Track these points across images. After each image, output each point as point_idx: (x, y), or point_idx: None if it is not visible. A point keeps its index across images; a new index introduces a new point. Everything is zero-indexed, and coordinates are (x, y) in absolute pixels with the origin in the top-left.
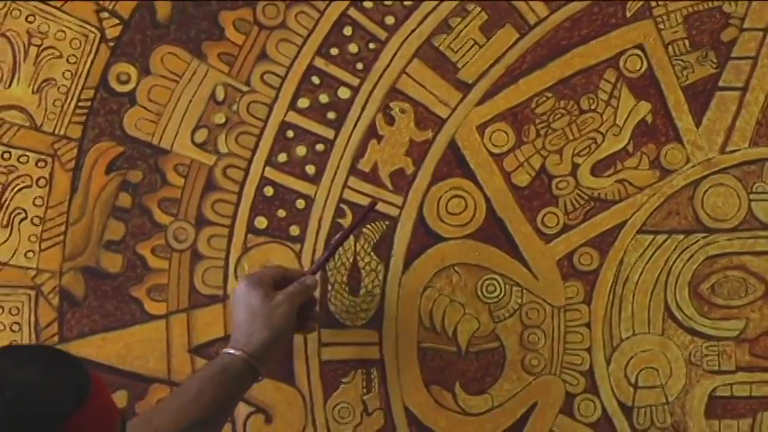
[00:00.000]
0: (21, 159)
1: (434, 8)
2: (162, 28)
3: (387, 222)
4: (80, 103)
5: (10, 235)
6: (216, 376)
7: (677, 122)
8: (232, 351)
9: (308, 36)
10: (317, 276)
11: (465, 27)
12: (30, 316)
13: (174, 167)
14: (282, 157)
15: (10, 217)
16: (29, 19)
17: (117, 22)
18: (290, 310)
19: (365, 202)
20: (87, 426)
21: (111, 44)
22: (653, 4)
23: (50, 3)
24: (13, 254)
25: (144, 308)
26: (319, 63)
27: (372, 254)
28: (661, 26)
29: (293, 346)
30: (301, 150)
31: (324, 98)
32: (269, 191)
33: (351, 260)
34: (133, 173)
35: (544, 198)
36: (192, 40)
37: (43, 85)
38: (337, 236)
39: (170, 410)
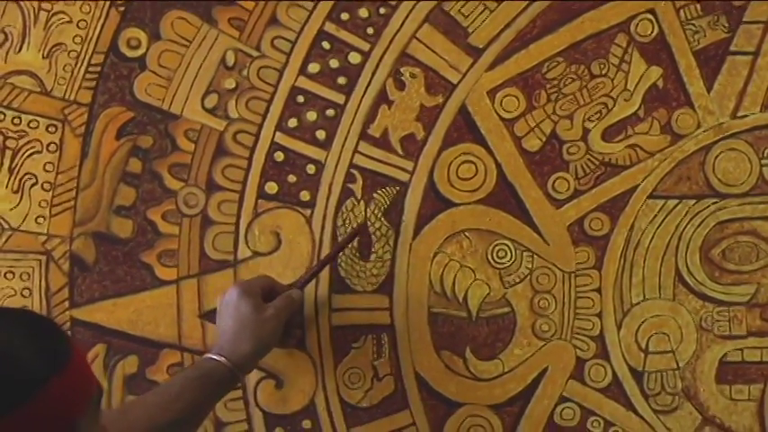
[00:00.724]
0: (31, 125)
1: None
2: None
3: (397, 188)
4: (90, 69)
5: (20, 200)
6: (198, 380)
7: (688, 87)
8: (217, 357)
9: (319, 1)
10: (303, 291)
11: None
12: (40, 281)
13: (184, 133)
14: (293, 123)
15: (20, 182)
16: None
17: None
18: (278, 325)
19: (375, 167)
20: (63, 393)
21: (121, 9)
22: None
23: None
24: (24, 219)
25: (154, 273)
26: (330, 28)
27: (383, 219)
28: None
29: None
30: (312, 115)
31: (334, 63)
32: (279, 156)
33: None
34: (143, 138)
35: (555, 163)
36: (202, 5)
37: (53, 50)
38: (326, 255)
39: (148, 406)
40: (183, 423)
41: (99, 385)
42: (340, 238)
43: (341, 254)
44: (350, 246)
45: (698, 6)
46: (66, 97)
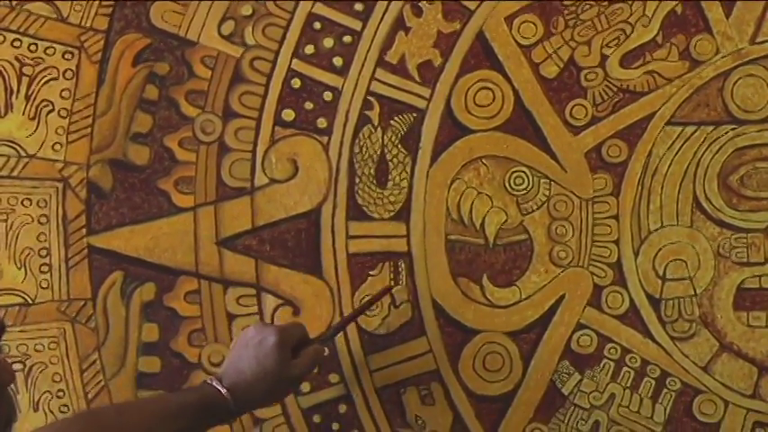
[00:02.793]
0: (47, 51)
1: None
2: None
3: (414, 114)
4: None
5: (37, 127)
6: (198, 408)
7: (707, 13)
8: (225, 394)
9: None
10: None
11: None
12: (57, 208)
13: (200, 59)
14: (309, 49)
15: (37, 109)
16: None
17: None
18: (298, 385)
19: (392, 94)
20: None
21: None
22: None
23: None
24: (41, 146)
25: (171, 200)
26: None
27: (400, 146)
28: None
29: None
30: (328, 42)
31: None
32: (296, 83)
33: (378, 152)
34: (160, 65)
35: (572, 90)
36: None
37: None
38: (353, 310)
39: (145, 416)
40: None
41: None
42: (353, 313)
43: (358, 182)
44: (367, 174)
45: None
46: (83, 24)
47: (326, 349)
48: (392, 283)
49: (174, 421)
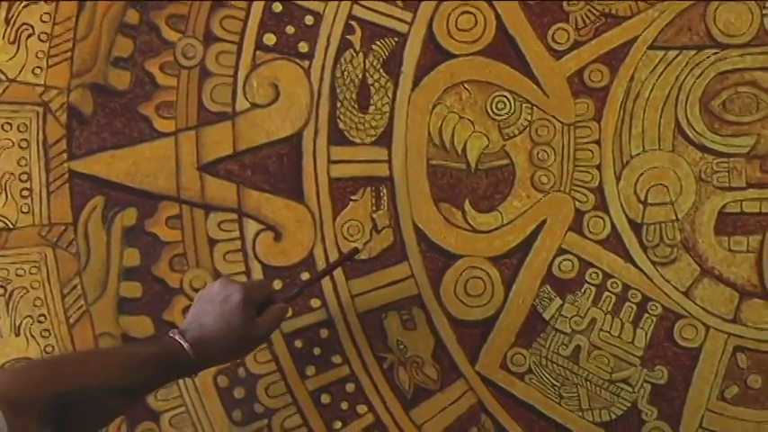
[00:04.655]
0: None
1: None
2: None
3: (396, 39)
4: None
5: (17, 51)
6: (160, 360)
7: None
8: (187, 349)
9: None
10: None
11: None
12: (38, 133)
13: None
14: None
15: (17, 33)
16: None
17: None
18: (259, 344)
19: (374, 18)
20: None
21: None
22: None
23: None
24: (21, 70)
25: (153, 125)
26: None
27: (381, 70)
28: None
29: None
30: None
31: None
32: (278, 7)
33: (360, 77)
34: None
35: (555, 14)
36: None
37: None
38: (319, 271)
39: (108, 367)
40: (131, 393)
41: None
42: (317, 274)
43: (339, 106)
44: (349, 98)
45: None
46: None
47: (289, 306)
48: (355, 248)
49: (136, 372)
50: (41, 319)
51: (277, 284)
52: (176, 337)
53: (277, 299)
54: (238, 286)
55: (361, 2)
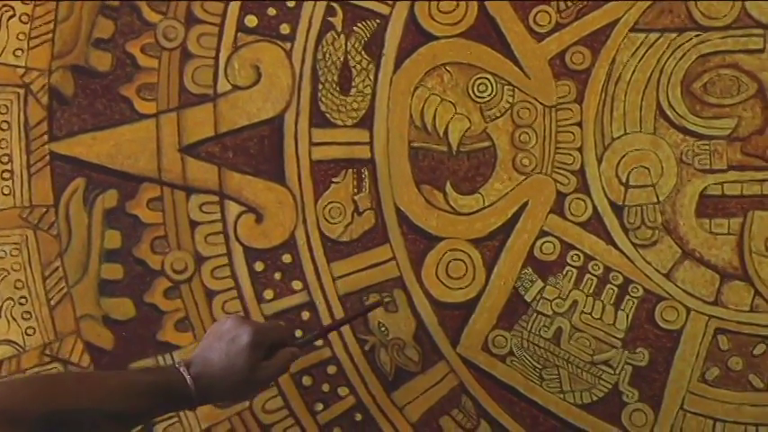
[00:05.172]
0: None
1: None
2: None
3: (377, 21)
4: None
5: None
6: (163, 392)
7: None
8: (190, 384)
9: None
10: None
11: None
12: (19, 114)
13: None
14: None
15: None
16: None
17: None
18: (263, 388)
19: (356, 0)
20: None
21: None
22: None
23: None
24: (2, 52)
25: (134, 107)
26: None
27: (363, 52)
28: None
29: None
30: None
31: None
32: None
33: (341, 59)
34: None
35: None
36: None
37: None
38: (336, 320)
39: (111, 390)
40: (127, 420)
41: None
42: (332, 324)
43: (321, 88)
44: (330, 80)
45: None
46: None
47: (300, 352)
48: (380, 298)
49: (134, 399)
50: (22, 301)
51: (259, 266)
52: (181, 369)
53: (289, 342)
54: (249, 328)
55: None
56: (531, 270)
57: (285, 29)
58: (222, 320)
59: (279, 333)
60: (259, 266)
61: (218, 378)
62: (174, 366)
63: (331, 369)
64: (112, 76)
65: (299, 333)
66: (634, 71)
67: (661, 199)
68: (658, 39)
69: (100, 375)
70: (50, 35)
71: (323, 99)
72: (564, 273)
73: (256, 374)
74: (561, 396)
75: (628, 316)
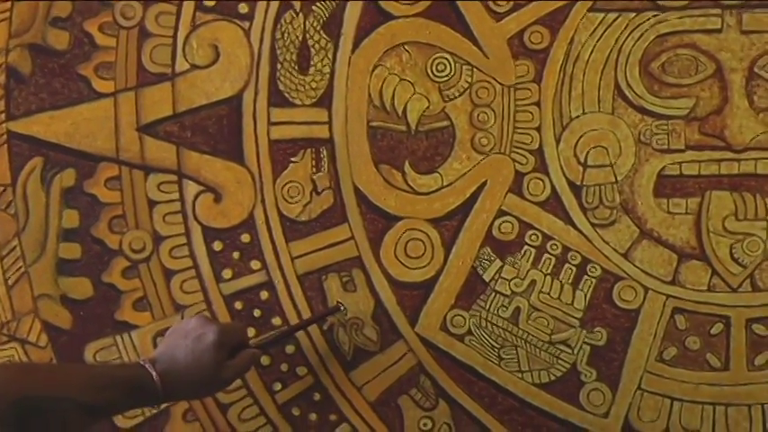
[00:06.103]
0: None
1: None
2: None
3: (336, 0)
4: None
5: None
6: (129, 387)
7: None
8: (156, 380)
9: None
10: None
11: None
12: None
13: None
14: None
15: None
16: None
17: None
18: (226, 387)
19: None
20: None
21: None
22: None
23: None
24: None
25: (92, 86)
26: None
27: (322, 32)
28: None
29: None
30: None
31: None
32: None
33: (300, 38)
34: None
35: None
36: None
37: None
38: (297, 323)
39: (82, 387)
40: (95, 412)
41: None
42: (293, 326)
43: (279, 68)
44: (289, 60)
45: None
46: None
47: (261, 353)
48: (338, 304)
49: (102, 391)
50: None
51: (218, 246)
52: (147, 366)
53: (250, 344)
54: (214, 327)
55: None
56: (489, 250)
57: (243, 8)
58: (186, 319)
59: (242, 334)
60: (218, 246)
61: (184, 375)
62: (140, 363)
63: (289, 348)
64: (70, 55)
65: (257, 313)
66: (592, 51)
67: (619, 179)
68: (617, 18)
69: (71, 367)
70: (8, 13)
71: (281, 78)
72: (522, 252)
73: (221, 373)
74: (519, 375)
75: (586, 295)
